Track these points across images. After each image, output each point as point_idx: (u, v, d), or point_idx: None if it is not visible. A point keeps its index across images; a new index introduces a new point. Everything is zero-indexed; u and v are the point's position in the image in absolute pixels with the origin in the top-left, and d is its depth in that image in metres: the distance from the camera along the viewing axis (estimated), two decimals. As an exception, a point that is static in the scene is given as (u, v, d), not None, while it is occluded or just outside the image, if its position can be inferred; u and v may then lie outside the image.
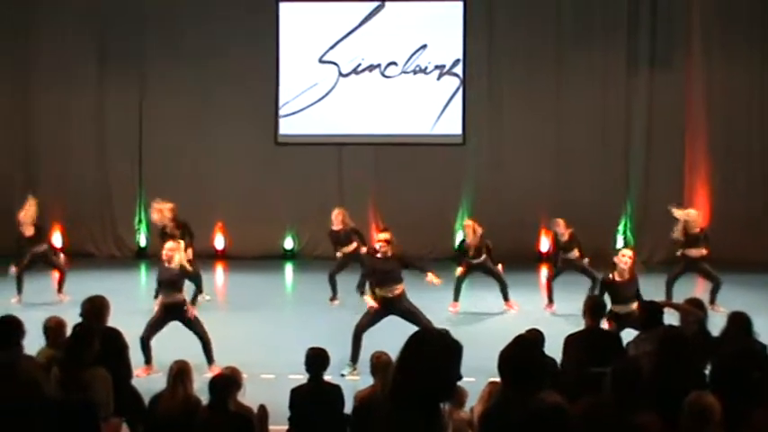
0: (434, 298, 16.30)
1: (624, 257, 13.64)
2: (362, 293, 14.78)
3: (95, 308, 9.69)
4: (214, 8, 22.50)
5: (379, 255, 13.34)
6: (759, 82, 22.33)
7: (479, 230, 16.88)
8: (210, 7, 22.51)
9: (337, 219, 17.68)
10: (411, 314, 12.90)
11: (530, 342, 5.89)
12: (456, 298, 16.90)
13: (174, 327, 13.45)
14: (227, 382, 8.03)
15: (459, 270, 16.95)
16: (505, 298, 16.94)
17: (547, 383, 5.43)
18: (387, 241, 13.38)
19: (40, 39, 22.93)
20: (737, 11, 22.12)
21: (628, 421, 6.42)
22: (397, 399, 4.67)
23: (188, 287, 13.70)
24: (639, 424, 6.54)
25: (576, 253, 16.93)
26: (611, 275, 13.55)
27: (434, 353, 4.66)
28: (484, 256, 16.87)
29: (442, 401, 4.77)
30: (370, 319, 13.08)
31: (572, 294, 15.33)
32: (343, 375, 12.42)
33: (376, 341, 11.19)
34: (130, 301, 15.47)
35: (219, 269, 21.96)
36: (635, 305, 13.23)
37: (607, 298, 12.70)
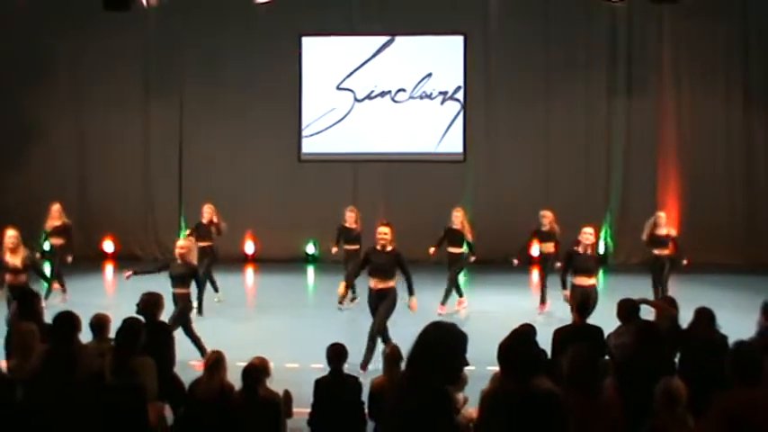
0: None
1: (586, 234, 13.80)
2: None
3: (151, 301, 9.78)
4: (245, 42, 22.56)
5: (378, 247, 12.80)
6: (723, 105, 22.37)
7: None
8: (242, 42, 22.57)
9: (351, 218, 17.28)
10: (376, 314, 12.52)
11: (524, 335, 5.92)
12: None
13: (211, 323, 13.46)
14: (258, 371, 8.05)
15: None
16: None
17: (540, 371, 5.44)
18: (386, 234, 12.81)
19: (93, 73, 23.09)
20: (703, 44, 22.15)
21: (587, 401, 6.45)
22: (411, 382, 4.72)
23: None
24: (600, 402, 6.60)
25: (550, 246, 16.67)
26: (575, 248, 13.70)
27: (445, 341, 4.73)
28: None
29: (450, 384, 4.83)
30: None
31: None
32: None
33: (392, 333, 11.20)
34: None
35: (250, 271, 22.03)
36: (593, 280, 13.39)
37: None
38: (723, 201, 22.26)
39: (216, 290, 17.43)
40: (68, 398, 7.02)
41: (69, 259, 17.22)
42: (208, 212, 17.34)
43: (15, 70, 22.96)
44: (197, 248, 16.71)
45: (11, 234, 13.11)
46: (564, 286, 13.84)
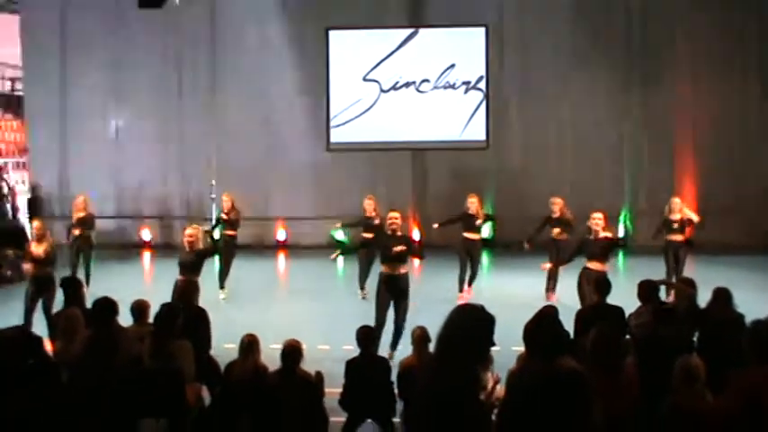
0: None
1: (595, 220, 13.55)
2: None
3: (186, 289, 9.88)
4: (274, 36, 22.70)
5: (389, 232, 12.48)
6: (738, 92, 22.28)
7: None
8: (271, 36, 22.71)
9: (370, 206, 16.76)
10: (401, 302, 12.16)
11: (548, 316, 5.90)
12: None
13: (245, 307, 13.46)
14: (295, 351, 8.08)
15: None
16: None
17: (564, 351, 5.43)
18: (396, 219, 12.47)
19: (130, 69, 23.29)
20: (717, 35, 22.07)
21: (609, 379, 6.48)
22: (441, 363, 4.73)
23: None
24: (622, 380, 6.63)
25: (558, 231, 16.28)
26: (587, 236, 13.51)
27: (474, 323, 4.73)
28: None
29: (479, 364, 4.85)
30: (383, 309, 12.18)
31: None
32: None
33: (416, 317, 11.18)
34: (207, 285, 15.42)
35: (282, 257, 22.12)
36: (604, 266, 13.13)
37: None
38: (739, 185, 22.16)
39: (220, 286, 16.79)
40: (110, 381, 7.09)
41: (76, 247, 17.02)
42: (226, 201, 17.24)
43: (59, 68, 23.19)
44: (224, 237, 16.84)
45: (36, 225, 13.20)
46: (565, 262, 13.96)
